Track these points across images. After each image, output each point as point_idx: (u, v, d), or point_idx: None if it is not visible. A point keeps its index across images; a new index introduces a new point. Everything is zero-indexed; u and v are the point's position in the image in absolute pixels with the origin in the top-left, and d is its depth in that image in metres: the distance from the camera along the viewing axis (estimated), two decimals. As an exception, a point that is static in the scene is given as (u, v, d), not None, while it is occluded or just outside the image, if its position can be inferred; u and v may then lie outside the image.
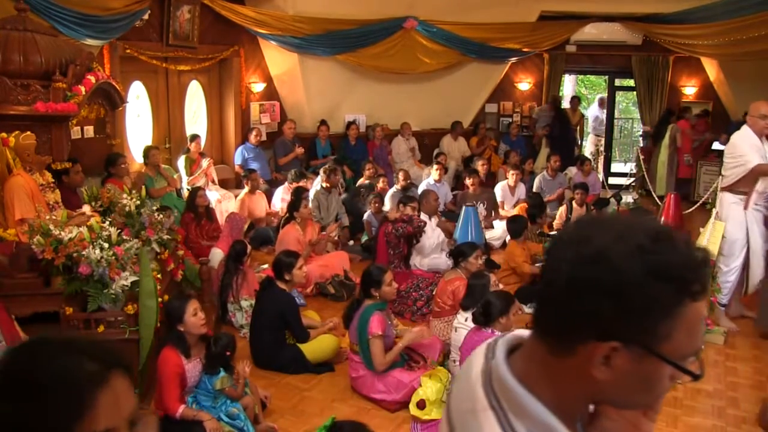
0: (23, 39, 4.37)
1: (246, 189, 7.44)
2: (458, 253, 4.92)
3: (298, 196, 6.42)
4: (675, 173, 9.78)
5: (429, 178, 8.01)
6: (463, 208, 6.50)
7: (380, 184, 7.98)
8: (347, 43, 9.06)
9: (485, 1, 9.51)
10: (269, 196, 7.82)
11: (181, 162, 7.41)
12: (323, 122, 9.11)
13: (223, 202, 7.29)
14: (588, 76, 16.31)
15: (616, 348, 0.82)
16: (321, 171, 7.55)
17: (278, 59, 9.04)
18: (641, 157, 9.87)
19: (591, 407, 0.97)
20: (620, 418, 0.95)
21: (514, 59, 10.68)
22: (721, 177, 5.10)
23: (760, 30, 7.66)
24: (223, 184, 8.08)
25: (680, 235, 0.85)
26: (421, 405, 3.69)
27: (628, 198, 8.33)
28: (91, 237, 3.76)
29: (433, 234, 6.28)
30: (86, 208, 4.57)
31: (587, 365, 0.84)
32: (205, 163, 7.46)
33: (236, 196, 7.58)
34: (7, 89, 4.23)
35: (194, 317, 3.42)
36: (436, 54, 9.78)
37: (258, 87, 8.97)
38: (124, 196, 4.80)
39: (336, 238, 7.01)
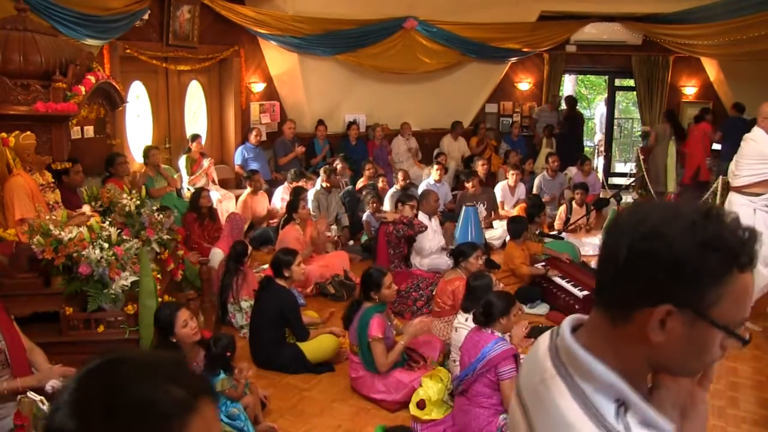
0: (23, 39, 4.37)
1: (248, 189, 7.45)
2: (458, 253, 4.92)
3: (297, 197, 6.43)
4: (681, 171, 9.81)
5: (429, 178, 8.01)
6: (463, 208, 6.50)
7: (380, 184, 7.98)
8: (347, 43, 9.06)
9: (485, 1, 9.50)
10: (269, 196, 7.83)
11: (182, 162, 7.41)
12: (320, 122, 9.12)
13: (223, 202, 7.30)
14: (588, 76, 16.30)
15: (671, 311, 0.91)
16: (321, 171, 7.55)
17: (278, 59, 9.04)
18: (641, 157, 9.87)
19: (649, 380, 1.04)
20: (676, 387, 1.02)
21: (514, 59, 10.67)
22: (731, 177, 5.03)
23: (760, 30, 7.65)
24: (223, 184, 8.08)
25: (729, 214, 0.94)
26: (421, 405, 3.69)
27: (628, 198, 8.34)
28: (91, 237, 3.76)
29: (434, 235, 6.28)
30: (86, 208, 4.57)
31: (645, 330, 0.93)
32: (206, 162, 7.47)
33: (236, 196, 7.59)
34: (7, 89, 4.23)
35: (185, 329, 3.34)
36: (436, 54, 9.78)
37: (258, 87, 8.97)
38: (124, 196, 4.80)
39: (336, 237, 7.01)
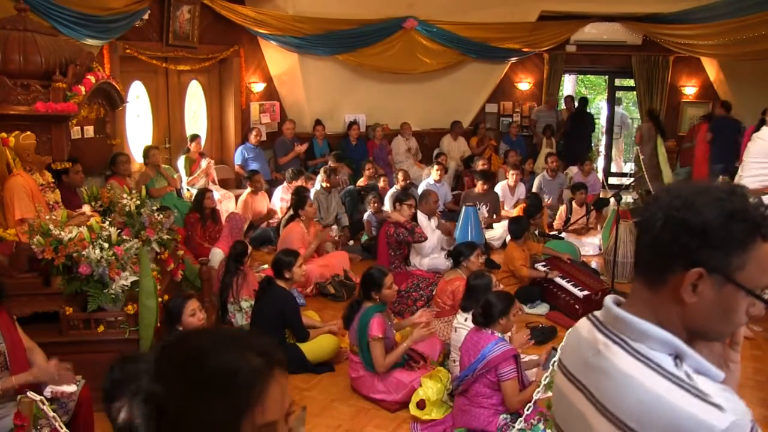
0: (23, 39, 4.37)
1: (248, 189, 7.45)
2: (458, 253, 4.91)
3: (301, 195, 6.42)
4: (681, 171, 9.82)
5: (429, 179, 8.01)
6: (463, 208, 6.50)
7: (381, 184, 7.99)
8: (347, 43, 9.06)
9: (485, 1, 9.50)
10: (269, 196, 7.83)
11: (180, 162, 7.41)
12: (318, 122, 9.12)
13: (223, 202, 7.30)
14: (588, 76, 16.29)
15: (701, 275, 1.03)
16: (321, 171, 7.55)
17: (278, 59, 9.04)
18: (641, 157, 9.86)
19: None
20: (710, 353, 1.13)
21: (514, 59, 10.67)
22: (740, 178, 4.90)
23: (760, 30, 7.65)
24: (223, 184, 8.08)
25: (752, 193, 1.07)
26: (421, 405, 3.69)
27: (628, 198, 8.34)
28: (91, 237, 3.76)
29: (432, 236, 6.28)
30: (86, 208, 4.57)
31: (678, 292, 1.05)
32: (204, 163, 7.46)
33: (236, 196, 7.58)
34: (7, 89, 4.23)
35: (192, 317, 3.41)
36: (436, 54, 9.78)
37: (258, 87, 8.97)
38: (124, 196, 4.80)
39: (336, 237, 7.01)
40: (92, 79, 4.74)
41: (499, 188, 8.02)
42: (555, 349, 3.62)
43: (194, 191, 6.86)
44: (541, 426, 3.17)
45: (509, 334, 3.69)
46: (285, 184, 7.70)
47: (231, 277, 4.99)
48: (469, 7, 9.50)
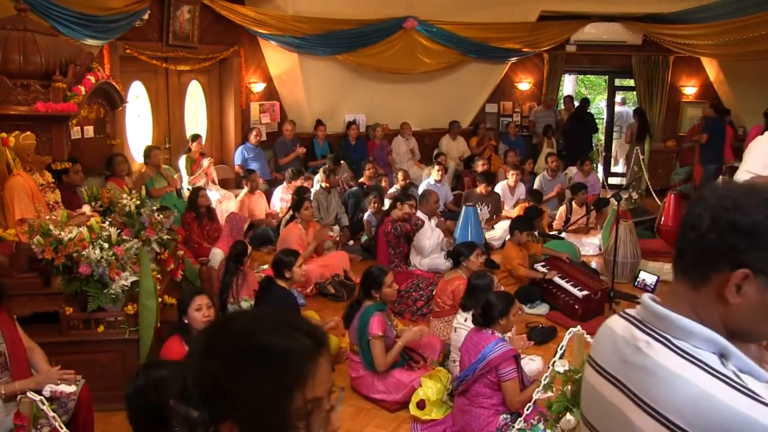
0: (23, 39, 4.36)
1: (245, 189, 7.45)
2: (457, 254, 4.91)
3: (301, 196, 6.42)
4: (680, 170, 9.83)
5: (429, 179, 8.01)
6: (463, 207, 6.50)
7: (382, 184, 8.00)
8: (347, 43, 9.06)
9: (485, 1, 9.50)
10: (269, 196, 7.83)
11: (182, 162, 7.41)
12: (320, 122, 9.12)
13: (223, 202, 7.29)
14: (588, 76, 16.30)
15: (747, 276, 1.03)
16: (320, 171, 7.55)
17: (278, 59, 9.04)
18: (641, 156, 9.88)
19: None
20: (745, 353, 1.10)
21: (514, 59, 10.67)
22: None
23: (760, 30, 7.66)
24: (223, 184, 8.08)
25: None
26: (421, 405, 3.69)
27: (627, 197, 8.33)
28: (91, 237, 3.76)
29: (432, 234, 6.28)
30: (86, 208, 4.57)
31: (722, 292, 1.04)
32: (205, 162, 7.46)
33: (236, 196, 7.58)
34: (7, 89, 4.22)
35: (197, 312, 3.43)
36: (436, 54, 9.78)
37: (258, 87, 8.97)
38: (124, 196, 4.80)
39: (336, 237, 7.01)
40: (92, 79, 4.73)
41: (499, 188, 8.03)
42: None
43: (194, 191, 6.86)
44: (541, 426, 3.17)
45: (509, 334, 3.69)
46: (285, 184, 7.70)
47: (231, 277, 4.99)
48: (469, 7, 9.50)
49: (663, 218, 7.40)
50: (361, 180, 8.34)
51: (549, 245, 6.47)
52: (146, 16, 6.72)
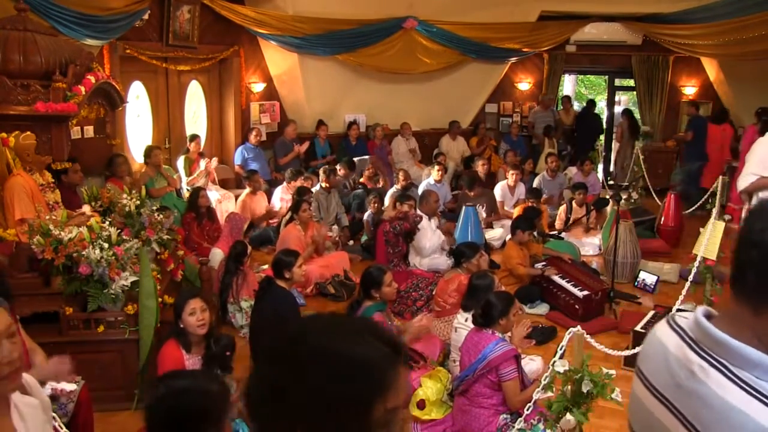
0: (23, 39, 4.36)
1: (247, 190, 7.45)
2: (459, 254, 4.91)
3: (300, 197, 6.41)
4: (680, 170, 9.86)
5: (429, 179, 8.01)
6: (463, 208, 6.50)
7: (380, 184, 8.00)
8: (347, 43, 9.06)
9: (485, 1, 9.51)
10: (269, 196, 7.83)
11: (180, 162, 7.41)
12: (321, 122, 9.12)
13: (223, 202, 7.30)
14: (588, 76, 16.30)
15: None
16: (321, 171, 7.55)
17: (278, 59, 9.04)
18: (641, 156, 9.87)
19: None
20: None
21: (514, 59, 10.68)
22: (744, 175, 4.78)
23: (760, 30, 7.66)
24: (223, 184, 8.08)
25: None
26: (421, 405, 3.69)
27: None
28: (91, 237, 3.76)
29: (433, 235, 6.28)
30: (86, 208, 4.57)
31: None
32: (203, 163, 7.46)
33: (236, 196, 7.58)
34: (7, 89, 4.22)
35: (191, 317, 3.34)
36: (436, 54, 9.78)
37: (258, 87, 8.97)
38: (124, 196, 4.80)
39: (336, 237, 7.01)
40: (92, 79, 4.73)
41: (499, 188, 8.03)
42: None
43: (194, 191, 6.86)
44: (541, 426, 3.17)
45: (509, 333, 3.69)
46: (284, 184, 7.70)
47: (231, 277, 4.99)
48: (469, 7, 9.50)
49: (663, 218, 7.39)
50: (362, 180, 8.34)
51: (549, 245, 6.47)
52: (146, 16, 6.72)
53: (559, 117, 10.94)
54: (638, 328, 4.44)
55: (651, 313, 4.76)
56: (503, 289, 4.72)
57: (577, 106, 12.82)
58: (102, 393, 3.59)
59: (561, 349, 3.03)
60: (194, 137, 7.51)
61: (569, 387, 2.87)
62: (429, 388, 3.73)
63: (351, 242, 7.41)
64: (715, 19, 8.48)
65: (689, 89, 10.83)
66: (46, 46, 4.46)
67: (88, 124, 5.37)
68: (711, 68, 10.39)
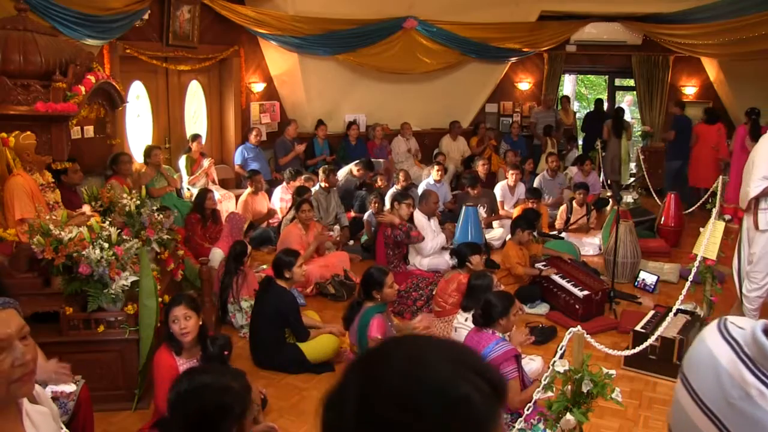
0: (23, 39, 4.37)
1: (249, 189, 7.45)
2: (463, 254, 4.91)
3: (300, 197, 6.41)
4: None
5: (429, 179, 8.01)
6: (463, 208, 6.50)
7: (378, 183, 8.00)
8: (347, 43, 9.06)
9: (485, 1, 9.51)
10: (269, 196, 7.83)
11: (182, 162, 7.41)
12: (321, 122, 9.13)
13: (223, 202, 7.29)
14: (588, 76, 16.31)
15: None
16: (320, 171, 7.55)
17: (278, 59, 9.04)
18: (641, 156, 9.88)
19: None
20: None
21: (514, 59, 10.68)
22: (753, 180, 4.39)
23: (760, 30, 7.66)
24: (223, 184, 8.08)
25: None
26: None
27: (628, 198, 8.33)
28: (91, 237, 3.76)
29: (434, 237, 6.27)
30: (86, 208, 4.57)
31: None
32: (206, 162, 7.47)
33: (236, 196, 7.59)
34: (7, 89, 4.23)
35: (174, 324, 3.30)
36: (436, 54, 9.78)
37: (258, 87, 8.97)
38: (124, 195, 4.80)
39: (337, 238, 7.01)
40: (92, 79, 4.74)
41: (499, 188, 8.03)
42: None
43: (195, 191, 6.86)
44: (541, 426, 3.17)
45: (509, 333, 3.69)
46: (284, 184, 7.70)
47: (231, 277, 5.00)
48: (469, 7, 9.50)
49: (663, 218, 7.40)
50: (378, 183, 8.32)
51: (549, 245, 6.47)
52: (146, 16, 6.72)
53: (560, 117, 10.95)
54: (638, 328, 4.44)
55: (651, 313, 4.76)
56: (503, 288, 4.72)
57: (577, 106, 12.83)
58: (102, 393, 3.58)
59: (561, 349, 3.03)
60: (196, 137, 7.51)
61: (569, 387, 2.86)
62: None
63: (351, 242, 7.42)
64: (715, 19, 8.48)
65: (689, 89, 10.83)
66: (46, 46, 4.46)
67: (88, 124, 5.37)
68: (711, 68, 10.39)
